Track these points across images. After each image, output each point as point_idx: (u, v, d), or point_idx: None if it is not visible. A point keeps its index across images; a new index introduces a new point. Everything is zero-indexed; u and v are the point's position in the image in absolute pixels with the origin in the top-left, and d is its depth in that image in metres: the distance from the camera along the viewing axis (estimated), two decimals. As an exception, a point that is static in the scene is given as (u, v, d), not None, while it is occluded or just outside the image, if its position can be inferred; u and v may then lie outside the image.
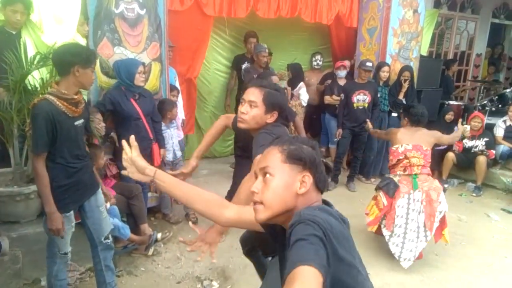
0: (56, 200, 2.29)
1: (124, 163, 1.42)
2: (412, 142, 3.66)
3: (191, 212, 4.09)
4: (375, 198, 3.74)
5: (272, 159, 1.25)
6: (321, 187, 1.27)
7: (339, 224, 1.15)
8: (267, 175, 1.22)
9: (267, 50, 5.00)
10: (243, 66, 5.22)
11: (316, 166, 1.25)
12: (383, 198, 3.58)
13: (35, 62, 2.91)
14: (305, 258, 0.98)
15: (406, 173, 3.58)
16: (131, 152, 1.39)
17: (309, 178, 1.23)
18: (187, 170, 2.44)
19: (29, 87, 2.98)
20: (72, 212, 2.45)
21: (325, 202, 1.29)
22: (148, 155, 3.49)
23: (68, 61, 2.17)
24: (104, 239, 2.67)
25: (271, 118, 2.11)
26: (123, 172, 1.44)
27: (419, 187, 3.50)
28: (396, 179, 3.61)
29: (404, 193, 3.51)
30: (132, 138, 1.34)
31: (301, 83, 5.56)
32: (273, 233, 1.35)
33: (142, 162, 1.40)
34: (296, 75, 5.62)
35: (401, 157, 3.64)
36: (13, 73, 2.84)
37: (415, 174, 3.56)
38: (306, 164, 1.23)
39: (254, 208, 1.24)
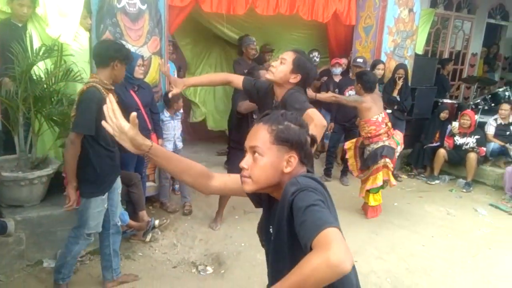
0: (99, 184, 2.55)
1: (110, 123, 1.37)
2: (381, 110, 4.26)
3: (187, 203, 4.24)
4: (383, 167, 4.21)
5: (261, 139, 1.31)
6: (306, 162, 1.34)
7: (324, 189, 1.27)
8: (256, 154, 1.31)
9: (255, 43, 5.21)
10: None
11: (302, 145, 1.31)
12: (390, 163, 4.19)
13: (40, 53, 3.03)
14: (327, 221, 1.06)
15: (388, 137, 4.22)
16: (125, 123, 1.36)
17: (294, 159, 1.30)
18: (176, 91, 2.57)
19: (34, 77, 3.11)
20: (106, 194, 2.65)
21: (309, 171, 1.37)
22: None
23: (111, 55, 2.46)
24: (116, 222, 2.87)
25: (294, 79, 2.37)
26: (104, 124, 1.38)
27: (399, 141, 4.31)
28: (387, 143, 4.19)
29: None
30: (134, 115, 1.37)
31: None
32: (257, 199, 1.48)
33: (139, 139, 1.39)
34: None
35: (383, 125, 4.20)
36: (20, 63, 2.96)
37: (393, 135, 4.29)
38: (293, 145, 1.29)
39: (242, 180, 1.34)
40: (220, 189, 1.58)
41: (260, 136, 1.31)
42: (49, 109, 3.10)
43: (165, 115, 4.06)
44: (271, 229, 1.36)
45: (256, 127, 1.34)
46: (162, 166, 1.52)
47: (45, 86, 3.11)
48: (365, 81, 4.15)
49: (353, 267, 1.32)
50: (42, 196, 3.24)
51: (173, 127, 4.14)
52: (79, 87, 3.38)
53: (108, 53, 2.48)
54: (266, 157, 1.30)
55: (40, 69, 3.15)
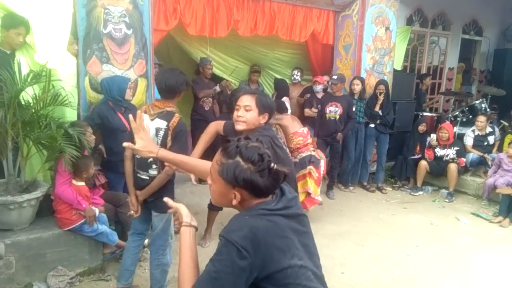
0: (171, 194, 2.80)
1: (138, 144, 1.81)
2: (302, 127, 4.67)
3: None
4: (308, 174, 4.44)
5: (214, 167, 1.36)
6: (260, 196, 1.34)
7: (268, 227, 1.28)
8: (211, 178, 1.39)
9: (212, 63, 5.60)
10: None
11: (246, 185, 1.29)
12: (314, 172, 4.43)
13: (29, 79, 3.10)
14: (196, 284, 1.26)
15: (314, 148, 4.57)
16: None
17: (238, 196, 1.31)
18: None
19: (23, 103, 3.17)
20: None
21: (280, 189, 1.41)
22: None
23: (180, 88, 2.70)
24: None
25: (263, 119, 2.45)
26: (125, 145, 1.83)
27: (323, 157, 4.59)
28: (313, 153, 4.51)
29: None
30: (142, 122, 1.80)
31: (285, 98, 5.84)
32: None
33: (150, 146, 1.82)
34: (281, 90, 5.95)
35: (309, 137, 4.60)
36: (8, 89, 3.02)
37: (316, 148, 4.65)
38: (237, 183, 1.29)
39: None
40: None
41: (213, 164, 1.37)
42: (37, 133, 3.14)
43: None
44: None
45: (217, 153, 1.38)
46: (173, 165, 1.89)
47: (33, 111, 3.17)
48: (280, 104, 4.71)
49: (308, 267, 1.37)
50: (31, 219, 3.26)
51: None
52: (67, 111, 3.49)
53: (178, 87, 2.68)
54: (216, 185, 1.36)
55: (28, 94, 3.21)
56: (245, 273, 1.23)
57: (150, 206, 2.83)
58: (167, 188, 2.78)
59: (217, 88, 5.65)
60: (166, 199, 1.56)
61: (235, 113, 2.46)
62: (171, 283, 3.41)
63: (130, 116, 1.80)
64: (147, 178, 2.75)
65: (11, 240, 3.04)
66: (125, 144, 1.81)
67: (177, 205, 1.51)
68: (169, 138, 2.64)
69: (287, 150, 4.14)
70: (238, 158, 1.30)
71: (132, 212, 2.86)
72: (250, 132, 2.43)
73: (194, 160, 1.90)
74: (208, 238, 4.08)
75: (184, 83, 2.71)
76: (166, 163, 2.29)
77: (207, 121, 4.31)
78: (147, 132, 1.85)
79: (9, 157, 3.15)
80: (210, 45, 5.47)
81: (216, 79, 5.99)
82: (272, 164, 1.31)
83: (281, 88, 5.98)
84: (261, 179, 1.29)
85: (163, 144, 2.64)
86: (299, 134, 4.55)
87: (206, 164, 1.70)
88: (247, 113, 2.41)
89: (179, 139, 2.65)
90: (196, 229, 1.46)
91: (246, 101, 2.42)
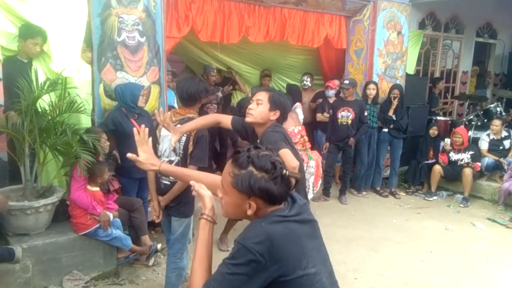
0: (192, 199, 2.86)
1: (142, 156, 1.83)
2: (298, 124, 4.48)
3: None
4: None
5: (226, 180, 1.35)
6: (275, 203, 1.34)
7: (284, 233, 1.28)
8: (223, 191, 1.39)
9: (215, 70, 5.63)
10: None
11: (262, 193, 1.29)
12: None
13: (45, 87, 3.19)
14: (210, 283, 1.26)
15: (303, 148, 4.30)
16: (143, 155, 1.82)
17: (254, 205, 1.31)
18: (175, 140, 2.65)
19: (39, 110, 3.25)
20: None
21: (291, 197, 1.41)
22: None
23: (200, 95, 2.78)
24: None
25: (274, 115, 2.46)
26: (129, 156, 1.83)
27: (313, 157, 4.29)
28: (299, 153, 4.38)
29: (305, 163, 4.22)
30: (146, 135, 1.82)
31: (298, 103, 5.80)
32: None
33: (153, 159, 1.85)
34: (293, 95, 5.95)
35: (298, 136, 4.33)
36: (25, 97, 3.11)
37: (307, 148, 4.34)
38: (252, 193, 1.29)
39: (220, 206, 1.43)
40: None
41: (225, 176, 1.36)
42: (53, 140, 3.22)
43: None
44: None
45: (227, 165, 1.38)
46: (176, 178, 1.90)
47: (49, 118, 3.25)
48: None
49: (321, 273, 1.37)
50: (47, 224, 3.33)
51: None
52: (82, 117, 3.57)
53: (198, 94, 2.77)
54: (229, 197, 1.35)
55: (44, 101, 3.30)
56: (259, 279, 1.24)
57: (171, 211, 2.87)
58: (188, 193, 2.78)
59: (219, 94, 5.73)
60: (192, 182, 1.55)
61: (249, 106, 2.52)
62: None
63: (135, 129, 1.84)
64: (169, 183, 2.80)
65: (27, 245, 3.11)
66: (128, 155, 1.83)
67: (204, 194, 1.49)
68: (190, 143, 2.73)
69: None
70: (251, 168, 1.30)
71: (154, 217, 2.88)
72: (259, 127, 2.48)
73: (196, 172, 1.86)
74: (225, 242, 4.10)
75: (204, 90, 2.79)
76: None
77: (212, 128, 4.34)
78: (150, 146, 1.85)
79: (26, 163, 3.23)
80: (221, 51, 5.52)
81: (224, 83, 6.05)
82: (285, 171, 1.33)
83: (293, 93, 5.98)
84: (275, 187, 1.30)
85: (185, 149, 2.74)
86: (288, 133, 4.56)
87: (208, 177, 1.72)
88: (257, 107, 2.45)
89: (200, 144, 2.74)
90: (215, 223, 1.48)
91: (260, 95, 2.49)
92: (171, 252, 2.97)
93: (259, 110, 2.44)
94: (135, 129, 1.79)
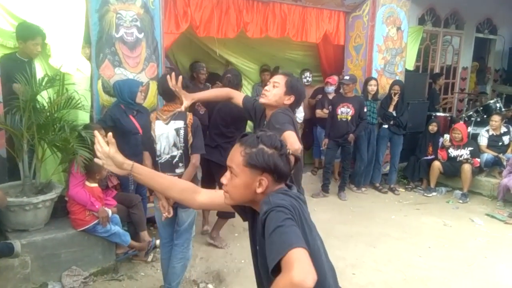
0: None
1: (98, 154, 1.52)
2: None
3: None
4: None
5: (235, 161, 1.38)
6: (282, 180, 1.41)
7: (298, 204, 1.33)
8: (232, 173, 1.41)
9: (205, 69, 5.49)
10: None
11: (274, 168, 1.36)
12: None
13: (43, 83, 3.19)
14: (291, 242, 1.14)
15: None
16: (108, 148, 1.51)
17: (265, 181, 1.36)
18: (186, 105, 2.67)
19: (38, 106, 3.25)
20: None
21: (287, 185, 1.45)
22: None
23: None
24: None
25: (288, 100, 2.48)
26: (96, 160, 1.54)
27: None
28: None
29: None
30: (110, 135, 1.52)
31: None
32: (242, 211, 1.57)
33: (119, 157, 1.52)
34: None
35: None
36: (23, 94, 3.11)
37: None
38: (264, 169, 1.36)
39: (223, 194, 1.47)
40: (207, 204, 1.70)
41: (235, 157, 1.40)
42: (52, 136, 3.23)
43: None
44: (256, 243, 1.45)
45: (234, 147, 1.42)
46: (146, 184, 1.64)
47: (48, 114, 3.25)
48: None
49: (332, 272, 1.41)
50: (46, 220, 3.33)
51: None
52: (80, 114, 3.57)
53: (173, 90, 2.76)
54: (239, 178, 1.39)
55: (43, 98, 3.30)
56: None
57: (179, 203, 2.87)
58: (193, 182, 2.88)
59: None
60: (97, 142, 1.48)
61: (265, 87, 2.54)
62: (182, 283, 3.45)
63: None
64: (176, 177, 2.82)
65: (26, 240, 3.12)
66: (96, 160, 1.56)
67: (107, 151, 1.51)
68: (189, 134, 2.82)
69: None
70: (262, 146, 1.36)
71: (165, 214, 2.86)
72: (271, 109, 2.48)
73: (169, 178, 1.76)
74: (219, 240, 4.10)
75: (181, 86, 2.70)
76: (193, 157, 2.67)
77: (203, 125, 4.30)
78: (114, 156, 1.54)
79: (25, 160, 3.23)
80: (219, 46, 5.49)
81: (211, 79, 5.94)
82: (288, 150, 1.41)
83: None
84: (282, 163, 1.37)
85: (185, 141, 2.84)
86: None
87: (182, 182, 1.76)
88: (273, 89, 2.47)
89: (198, 134, 2.86)
90: (132, 166, 1.56)
91: (277, 78, 2.51)
92: (178, 242, 3.02)
93: (274, 92, 2.46)
94: (96, 134, 1.55)
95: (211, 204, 1.68)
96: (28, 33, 3.33)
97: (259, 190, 1.37)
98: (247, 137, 1.41)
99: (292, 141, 2.18)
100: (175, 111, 2.82)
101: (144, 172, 1.60)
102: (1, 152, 3.39)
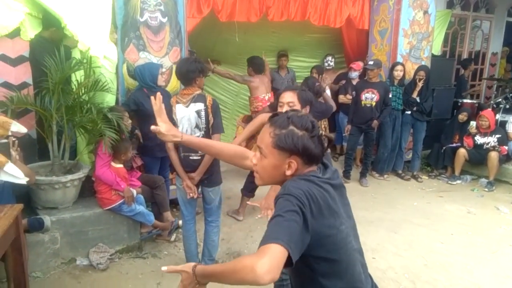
0: (219, 168, 3.14)
1: (158, 120, 1.75)
2: (269, 91, 5.02)
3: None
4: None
5: (265, 142, 1.36)
6: (313, 163, 1.36)
7: (321, 191, 1.29)
8: (262, 154, 1.40)
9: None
10: None
11: (303, 151, 1.32)
12: None
13: (72, 65, 3.29)
14: (276, 236, 1.13)
15: None
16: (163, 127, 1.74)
17: (294, 164, 1.33)
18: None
19: (67, 88, 3.36)
20: None
21: (323, 163, 1.43)
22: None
23: (192, 76, 2.91)
24: None
25: (305, 111, 2.57)
26: (153, 128, 1.74)
27: None
28: None
29: None
30: (159, 96, 1.76)
31: (326, 86, 5.80)
32: None
33: (173, 130, 1.77)
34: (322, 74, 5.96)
35: (268, 104, 4.58)
36: (53, 76, 3.22)
37: None
38: (293, 151, 1.32)
39: (254, 174, 1.46)
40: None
41: (264, 138, 1.37)
42: (79, 117, 3.34)
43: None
44: None
45: (264, 128, 1.40)
46: (200, 150, 1.95)
47: (75, 96, 3.35)
48: (254, 63, 5.14)
49: (352, 235, 1.39)
50: (74, 198, 3.46)
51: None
52: (107, 96, 3.65)
53: (189, 74, 2.90)
54: (268, 159, 1.36)
55: (72, 81, 3.39)
56: (306, 226, 1.21)
57: (204, 184, 3.06)
58: (216, 161, 3.01)
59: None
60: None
61: (280, 110, 2.56)
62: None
63: (152, 98, 1.76)
64: (199, 157, 2.96)
65: (56, 217, 3.26)
66: (152, 127, 1.76)
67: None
68: (210, 115, 2.93)
69: None
70: (292, 127, 1.32)
71: (191, 195, 3.01)
72: None
73: (218, 143, 1.90)
74: (241, 212, 4.30)
75: (197, 70, 2.90)
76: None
77: None
78: (167, 118, 1.79)
79: (54, 140, 3.36)
80: (238, 31, 5.47)
81: None
82: (321, 131, 1.38)
83: (322, 72, 6.03)
84: (313, 145, 1.33)
85: (207, 122, 2.94)
86: (259, 100, 4.87)
87: (231, 147, 1.77)
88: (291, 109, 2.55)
89: (218, 114, 2.98)
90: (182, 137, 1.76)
91: (289, 97, 2.58)
92: (212, 219, 3.21)
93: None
94: (152, 98, 1.75)
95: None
96: (48, 22, 3.43)
97: (288, 173, 1.34)
98: (278, 117, 1.37)
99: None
100: (194, 94, 2.92)
101: (194, 141, 1.78)
102: (31, 133, 3.51)
